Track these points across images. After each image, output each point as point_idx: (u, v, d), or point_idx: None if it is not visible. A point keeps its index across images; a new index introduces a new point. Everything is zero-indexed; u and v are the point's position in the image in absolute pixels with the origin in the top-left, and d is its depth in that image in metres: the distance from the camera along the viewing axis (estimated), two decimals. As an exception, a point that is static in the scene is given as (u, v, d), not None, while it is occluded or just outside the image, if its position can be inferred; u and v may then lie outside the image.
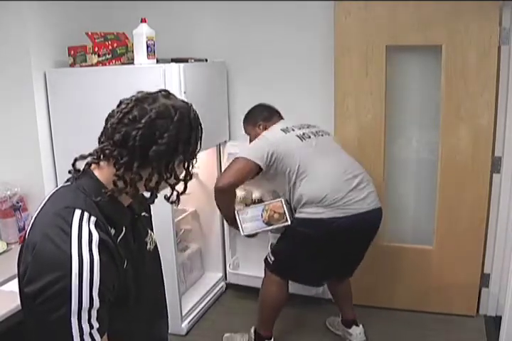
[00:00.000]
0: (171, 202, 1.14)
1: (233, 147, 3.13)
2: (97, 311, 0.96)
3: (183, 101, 1.11)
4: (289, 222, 2.46)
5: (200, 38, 3.13)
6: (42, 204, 1.09)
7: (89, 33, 2.67)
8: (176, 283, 2.77)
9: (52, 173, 2.72)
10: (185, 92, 2.55)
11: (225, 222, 2.95)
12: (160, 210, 2.67)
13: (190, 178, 1.12)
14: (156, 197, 1.15)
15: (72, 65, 2.70)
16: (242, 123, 2.83)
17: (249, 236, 2.63)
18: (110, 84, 2.58)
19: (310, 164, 2.41)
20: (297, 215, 2.44)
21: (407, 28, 2.73)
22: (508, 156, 2.78)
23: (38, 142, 2.67)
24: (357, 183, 2.44)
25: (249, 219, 2.52)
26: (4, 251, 2.46)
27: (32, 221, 1.09)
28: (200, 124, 1.13)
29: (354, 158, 2.57)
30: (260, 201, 2.83)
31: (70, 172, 1.12)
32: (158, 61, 2.66)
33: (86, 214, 1.00)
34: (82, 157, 1.11)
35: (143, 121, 1.03)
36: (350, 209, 2.37)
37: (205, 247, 3.40)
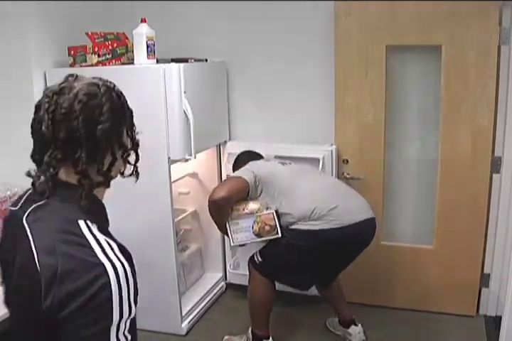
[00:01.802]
0: (128, 175, 1.12)
1: (233, 147, 3.13)
2: (130, 321, 0.92)
3: (93, 78, 1.06)
4: (280, 235, 2.46)
5: (200, 38, 3.13)
6: (27, 235, 0.97)
7: (89, 33, 2.67)
8: (176, 283, 2.77)
9: (52, 173, 2.71)
10: (185, 92, 2.55)
11: None
12: (160, 210, 2.70)
13: (138, 146, 1.11)
14: (138, 173, 1.13)
15: (72, 65, 2.70)
16: (242, 124, 2.82)
17: (239, 246, 2.64)
18: (110, 84, 2.58)
19: (294, 184, 2.50)
20: (291, 227, 2.45)
21: (407, 28, 2.73)
22: (508, 156, 2.78)
23: (38, 142, 2.66)
24: (345, 196, 2.51)
25: (240, 230, 2.50)
26: (4, 251, 2.46)
27: (21, 258, 0.97)
28: (120, 90, 1.09)
29: (354, 157, 2.57)
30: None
31: (34, 193, 1.03)
32: (158, 61, 2.66)
33: (89, 223, 0.96)
34: (36, 176, 1.03)
35: (76, 108, 0.97)
36: (343, 220, 2.39)
37: (205, 247, 3.40)
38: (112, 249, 0.93)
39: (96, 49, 2.64)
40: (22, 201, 1.08)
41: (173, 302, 2.78)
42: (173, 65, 2.53)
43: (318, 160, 2.89)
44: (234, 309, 3.14)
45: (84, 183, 1.00)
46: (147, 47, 2.60)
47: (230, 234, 2.53)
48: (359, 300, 3.12)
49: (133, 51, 2.67)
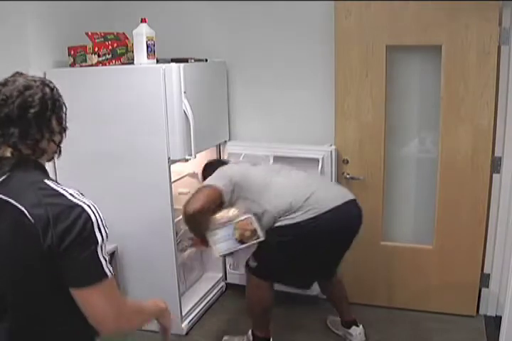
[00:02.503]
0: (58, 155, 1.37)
1: (233, 147, 3.13)
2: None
3: (36, 76, 1.31)
4: (263, 238, 2.42)
5: (200, 38, 3.14)
6: (7, 200, 1.18)
7: (89, 33, 2.67)
8: (176, 283, 2.77)
9: (52, 173, 2.71)
10: (185, 92, 2.55)
11: None
12: (160, 210, 2.69)
13: (65, 131, 1.37)
14: (60, 152, 1.37)
15: (72, 65, 2.70)
16: (242, 124, 2.81)
17: (226, 255, 2.59)
18: (110, 84, 2.58)
19: (267, 182, 2.49)
20: (275, 225, 2.44)
21: (407, 28, 2.73)
22: (508, 156, 2.78)
23: (38, 142, 2.67)
24: (319, 184, 2.51)
25: (221, 240, 2.44)
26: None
27: (10, 219, 1.19)
28: (55, 86, 1.34)
29: (354, 158, 2.56)
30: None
31: None
32: (158, 61, 2.66)
33: (50, 180, 1.25)
34: None
35: (14, 95, 1.22)
36: (322, 206, 2.38)
37: (205, 247, 3.39)
38: (77, 195, 1.22)
39: (96, 49, 2.64)
40: None
41: (173, 303, 2.78)
42: (173, 65, 2.53)
43: (317, 160, 2.89)
44: (234, 309, 3.14)
45: (16, 154, 1.23)
46: (147, 47, 2.60)
47: (212, 246, 2.46)
48: (359, 300, 3.12)
49: (133, 51, 2.67)
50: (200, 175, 2.86)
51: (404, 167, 3.09)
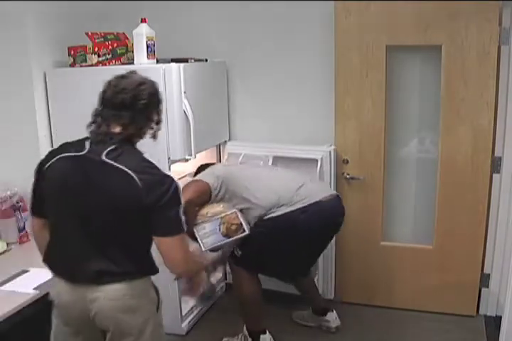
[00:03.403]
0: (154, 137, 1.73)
1: (233, 147, 3.13)
2: None
3: (145, 77, 1.68)
4: (248, 232, 2.46)
5: (200, 38, 3.14)
6: (116, 166, 1.57)
7: (89, 33, 2.67)
8: (176, 283, 2.77)
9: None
10: (185, 92, 2.55)
11: None
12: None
13: (161, 122, 1.71)
14: (155, 136, 1.72)
15: (72, 65, 2.70)
16: (242, 124, 2.79)
17: (212, 250, 2.60)
18: (110, 84, 2.58)
19: (254, 178, 2.58)
20: (265, 218, 2.48)
21: (407, 28, 2.73)
22: (508, 156, 2.78)
23: (37, 142, 2.67)
24: (303, 182, 2.55)
25: (208, 234, 2.48)
26: (4, 251, 2.46)
27: (116, 179, 1.58)
28: (158, 87, 1.71)
29: (354, 158, 2.56)
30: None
31: (97, 143, 1.62)
32: (158, 61, 2.66)
33: (147, 155, 1.67)
34: (94, 131, 1.64)
35: (131, 87, 1.60)
36: (307, 199, 2.45)
37: (205, 247, 3.39)
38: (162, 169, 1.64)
39: (96, 49, 2.64)
40: (86, 150, 1.62)
41: (173, 303, 2.78)
42: (173, 65, 2.53)
43: (316, 160, 2.89)
44: (234, 309, 3.13)
45: (125, 132, 1.61)
46: (147, 47, 2.60)
47: (199, 240, 2.48)
48: (359, 300, 3.12)
49: (133, 51, 2.67)
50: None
51: (404, 167, 3.08)
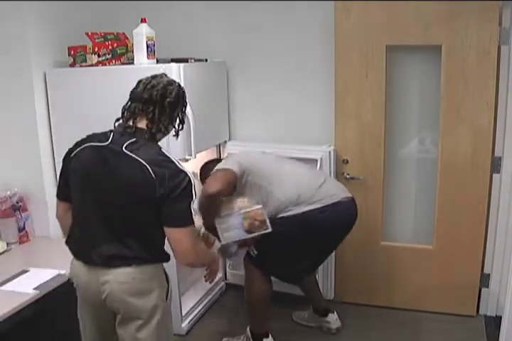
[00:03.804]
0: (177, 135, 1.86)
1: (233, 147, 3.13)
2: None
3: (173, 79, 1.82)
4: (270, 229, 2.42)
5: (200, 38, 3.14)
6: (134, 157, 1.66)
7: (89, 33, 2.67)
8: (176, 283, 2.77)
9: (52, 173, 2.71)
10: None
11: None
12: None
13: (184, 121, 1.84)
14: (178, 135, 1.86)
15: (72, 65, 2.70)
16: (242, 124, 2.78)
17: (230, 256, 2.64)
18: (110, 84, 2.58)
19: (277, 171, 2.55)
20: (280, 215, 2.46)
21: (407, 28, 2.73)
22: (508, 156, 2.78)
23: (38, 142, 2.67)
24: (324, 180, 2.55)
25: (229, 228, 2.43)
26: (4, 251, 2.46)
27: (132, 171, 1.67)
28: (184, 89, 1.82)
29: (354, 158, 2.56)
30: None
31: (122, 135, 1.73)
32: (158, 61, 2.66)
33: (164, 150, 1.75)
34: (118, 120, 1.78)
35: (160, 85, 1.72)
36: (326, 198, 2.44)
37: (205, 247, 3.39)
38: (181, 164, 1.72)
39: (96, 49, 2.64)
40: (109, 141, 1.72)
41: (173, 303, 2.77)
42: (173, 65, 2.53)
43: (315, 161, 2.89)
44: (234, 309, 3.14)
45: (149, 127, 1.72)
46: (147, 47, 2.60)
47: (219, 233, 2.45)
48: (359, 300, 3.12)
49: (133, 51, 2.67)
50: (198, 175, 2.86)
51: (404, 167, 3.08)
